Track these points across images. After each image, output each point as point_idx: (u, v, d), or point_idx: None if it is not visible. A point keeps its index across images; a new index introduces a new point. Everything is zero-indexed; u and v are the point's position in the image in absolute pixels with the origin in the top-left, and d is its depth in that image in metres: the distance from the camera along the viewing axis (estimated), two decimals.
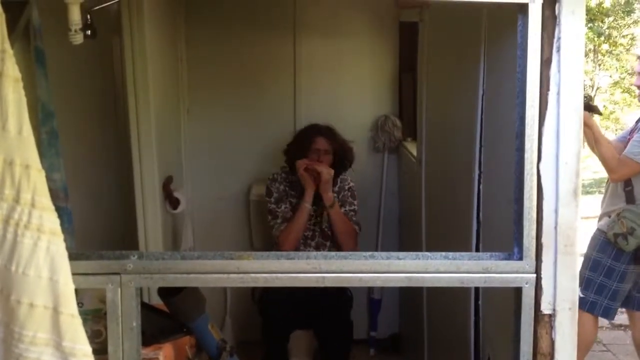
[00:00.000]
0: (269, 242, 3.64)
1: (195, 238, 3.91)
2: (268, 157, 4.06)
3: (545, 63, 1.57)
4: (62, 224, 1.42)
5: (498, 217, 2.07)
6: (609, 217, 3.51)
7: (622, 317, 4.36)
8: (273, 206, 3.49)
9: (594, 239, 3.56)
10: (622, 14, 14.94)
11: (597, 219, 3.67)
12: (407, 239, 4.04)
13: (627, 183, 3.47)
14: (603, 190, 3.70)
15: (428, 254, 1.61)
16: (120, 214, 3.08)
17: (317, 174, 3.37)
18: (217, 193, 4.15)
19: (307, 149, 3.45)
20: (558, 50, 1.56)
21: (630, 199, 3.46)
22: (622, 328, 4.67)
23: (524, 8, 1.55)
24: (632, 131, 3.60)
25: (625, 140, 3.64)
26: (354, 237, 3.50)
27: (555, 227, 1.57)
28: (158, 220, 2.97)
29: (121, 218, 3.08)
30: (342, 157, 3.54)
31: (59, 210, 1.45)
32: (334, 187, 3.52)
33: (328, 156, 3.46)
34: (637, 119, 3.79)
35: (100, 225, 2.85)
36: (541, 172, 1.57)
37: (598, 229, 3.58)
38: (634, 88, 3.59)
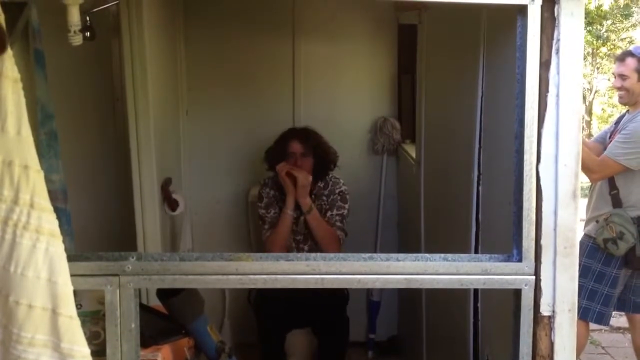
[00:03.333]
0: None
1: (193, 240, 3.90)
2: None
3: (544, 65, 1.57)
4: (61, 226, 1.42)
5: (497, 219, 2.07)
6: (597, 222, 3.48)
7: (621, 319, 4.37)
8: (263, 211, 3.48)
9: (581, 244, 3.45)
10: (620, 18, 14.97)
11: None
12: (405, 241, 4.03)
13: (613, 187, 3.45)
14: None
15: (427, 255, 1.61)
16: (119, 215, 3.08)
17: (294, 178, 3.34)
18: (215, 195, 4.15)
19: (284, 153, 3.42)
20: (557, 52, 1.56)
21: (616, 202, 3.43)
22: (621, 331, 4.68)
23: (523, 10, 1.55)
24: (612, 133, 3.59)
25: (603, 142, 3.63)
26: (336, 243, 3.37)
27: (555, 229, 1.57)
28: (157, 222, 2.97)
29: (120, 220, 3.07)
30: (322, 159, 3.47)
31: (58, 211, 1.46)
32: (323, 189, 3.49)
33: (307, 159, 3.40)
34: (615, 120, 3.79)
35: (99, 227, 2.85)
36: (540, 174, 1.58)
37: (585, 234, 3.55)
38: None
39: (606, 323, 3.66)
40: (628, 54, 3.57)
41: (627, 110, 3.62)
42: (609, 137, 3.58)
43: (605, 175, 3.43)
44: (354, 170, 4.15)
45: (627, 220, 3.36)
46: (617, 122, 3.64)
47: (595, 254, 3.46)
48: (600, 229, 3.41)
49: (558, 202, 1.57)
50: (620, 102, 3.72)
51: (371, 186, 4.24)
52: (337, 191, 3.50)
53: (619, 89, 3.54)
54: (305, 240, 3.48)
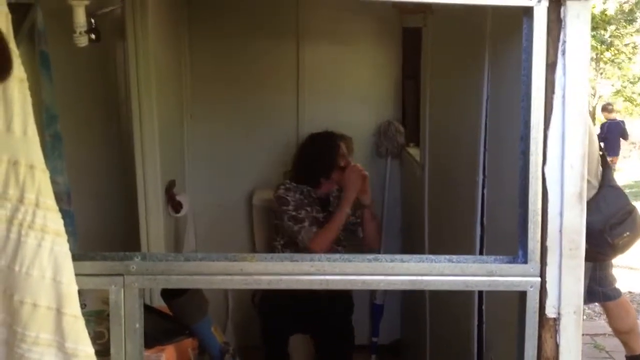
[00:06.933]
0: (271, 247, 3.63)
1: (197, 242, 3.90)
2: (271, 162, 4.06)
3: (550, 67, 1.56)
4: (65, 227, 1.42)
5: (502, 222, 2.06)
6: None
7: None
8: (294, 213, 3.40)
9: None
10: (624, 23, 14.99)
11: None
12: (410, 244, 4.02)
13: None
14: None
15: (432, 256, 1.61)
16: (122, 217, 3.08)
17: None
18: (219, 198, 4.14)
19: (336, 157, 3.46)
20: (563, 54, 1.56)
21: None
22: None
23: (529, 11, 1.55)
24: None
25: None
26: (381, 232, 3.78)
27: (560, 231, 1.57)
28: (160, 224, 2.97)
29: (124, 222, 3.07)
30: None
31: (62, 213, 1.46)
32: (339, 192, 3.54)
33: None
34: None
35: (103, 229, 2.85)
36: (546, 176, 1.57)
37: None
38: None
39: None
40: None
41: None
42: None
43: None
44: None
45: None
46: None
47: None
48: None
49: (564, 203, 1.57)
50: None
51: (375, 189, 4.22)
52: None
53: None
54: (339, 241, 3.50)
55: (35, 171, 1.39)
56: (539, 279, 1.58)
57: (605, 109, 12.47)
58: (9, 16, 1.39)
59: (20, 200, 1.38)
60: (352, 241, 3.57)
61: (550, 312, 1.59)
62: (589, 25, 1.56)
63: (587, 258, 3.43)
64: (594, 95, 15.47)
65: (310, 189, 3.48)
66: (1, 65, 1.29)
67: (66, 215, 1.80)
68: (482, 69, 2.23)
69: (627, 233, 3.36)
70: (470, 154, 2.37)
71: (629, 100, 17.48)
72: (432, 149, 3.30)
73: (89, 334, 1.43)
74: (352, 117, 4.18)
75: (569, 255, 1.57)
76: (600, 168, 3.46)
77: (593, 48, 13.95)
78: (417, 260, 1.60)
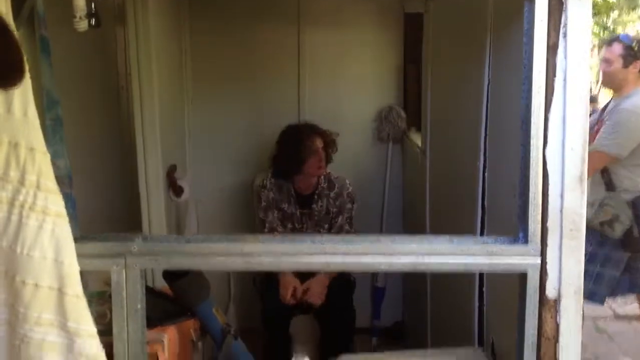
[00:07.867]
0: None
1: (199, 226, 3.91)
2: (271, 147, 4.06)
3: (552, 49, 1.56)
4: (66, 211, 1.43)
5: (503, 205, 2.06)
6: (592, 206, 3.50)
7: (627, 308, 4.39)
8: (262, 214, 3.50)
9: None
10: (627, 10, 14.89)
11: None
12: (411, 229, 4.03)
13: (604, 172, 3.50)
14: None
15: (433, 237, 1.61)
16: (124, 202, 3.09)
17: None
18: (220, 182, 4.15)
19: (307, 152, 3.42)
20: (564, 36, 1.55)
21: (610, 186, 3.49)
22: (627, 319, 4.67)
23: None
24: (599, 121, 3.60)
25: (592, 131, 3.63)
26: None
27: (561, 211, 1.57)
28: (162, 208, 2.98)
29: (125, 206, 3.08)
30: (327, 153, 3.51)
31: (63, 196, 1.46)
32: (328, 190, 3.52)
33: (324, 152, 3.46)
34: (601, 108, 3.81)
35: (104, 213, 2.86)
36: (547, 158, 1.57)
37: None
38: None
39: (599, 301, 3.64)
40: (615, 39, 3.61)
41: (612, 97, 3.66)
42: (596, 125, 3.58)
43: (597, 167, 3.47)
44: (359, 159, 4.16)
45: (622, 203, 3.40)
46: (603, 110, 3.66)
47: (589, 237, 3.48)
48: (595, 212, 3.44)
49: (565, 185, 1.57)
50: (604, 86, 3.79)
51: (376, 174, 4.24)
52: (345, 193, 3.53)
53: (604, 73, 3.60)
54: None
55: (36, 153, 1.39)
56: (539, 259, 1.59)
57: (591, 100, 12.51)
58: (9, 0, 1.39)
59: (21, 182, 1.38)
60: None
61: (550, 293, 1.59)
62: (590, 8, 1.55)
63: (636, 248, 3.48)
64: (597, 82, 15.41)
65: (290, 185, 3.48)
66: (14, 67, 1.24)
67: (67, 199, 1.79)
68: (483, 54, 2.22)
69: None
70: (471, 138, 2.37)
71: None
72: (434, 134, 3.30)
73: (91, 314, 1.44)
74: (354, 102, 4.18)
75: (570, 236, 1.58)
76: None
77: (595, 34, 13.88)
78: (418, 241, 1.61)
